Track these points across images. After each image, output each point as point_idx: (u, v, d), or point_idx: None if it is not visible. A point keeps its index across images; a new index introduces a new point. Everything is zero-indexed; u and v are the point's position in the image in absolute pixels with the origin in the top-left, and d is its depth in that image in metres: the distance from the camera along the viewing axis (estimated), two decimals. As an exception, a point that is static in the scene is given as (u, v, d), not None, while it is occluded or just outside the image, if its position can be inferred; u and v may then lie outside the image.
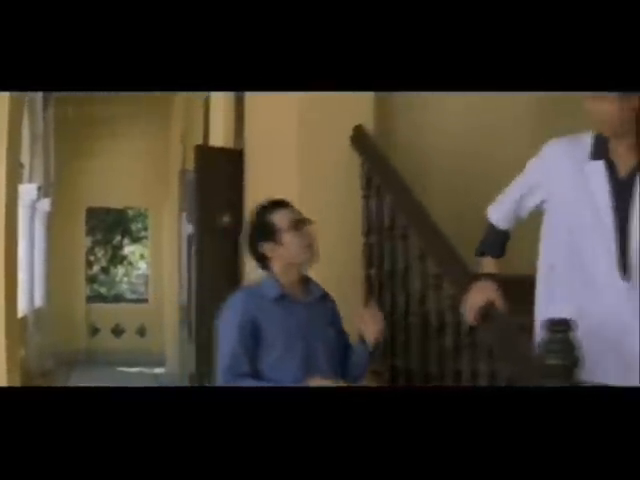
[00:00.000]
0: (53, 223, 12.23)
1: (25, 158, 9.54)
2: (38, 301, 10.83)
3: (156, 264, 14.47)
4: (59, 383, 10.84)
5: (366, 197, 3.91)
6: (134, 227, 18.18)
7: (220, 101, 6.89)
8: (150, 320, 14.05)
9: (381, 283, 3.75)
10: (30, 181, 10.10)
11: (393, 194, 3.58)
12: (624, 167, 2.59)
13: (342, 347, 2.96)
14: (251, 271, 3.14)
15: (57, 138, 12.31)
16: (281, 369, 2.74)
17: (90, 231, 15.95)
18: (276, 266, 2.86)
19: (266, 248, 2.85)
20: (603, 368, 2.36)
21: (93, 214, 15.43)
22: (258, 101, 4.72)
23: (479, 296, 2.69)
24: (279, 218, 2.85)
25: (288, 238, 2.82)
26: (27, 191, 9.66)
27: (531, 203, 2.81)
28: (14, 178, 6.81)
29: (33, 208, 10.28)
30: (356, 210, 3.96)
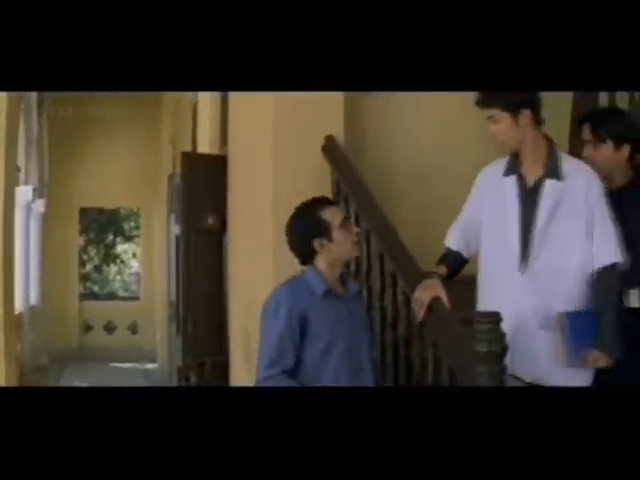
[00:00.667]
0: (47, 223, 12.45)
1: (21, 161, 9.81)
2: (33, 299, 11.06)
3: (148, 262, 14.65)
4: (52, 379, 11.10)
5: (336, 202, 4.18)
6: (126, 226, 18.34)
7: (207, 108, 7.20)
8: (142, 317, 14.26)
9: (348, 281, 4.04)
10: (25, 183, 10.36)
11: (357, 200, 3.89)
12: (532, 178, 3.04)
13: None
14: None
15: (51, 141, 12.54)
16: (323, 362, 2.78)
17: (83, 230, 16.19)
18: (322, 261, 2.89)
19: (316, 244, 2.87)
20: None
21: (86, 214, 15.64)
22: (240, 112, 5.04)
23: (426, 293, 3.01)
24: (330, 215, 2.88)
25: (339, 234, 2.87)
26: (23, 193, 9.91)
27: (474, 229, 3.18)
28: (11, 181, 7.07)
29: (28, 209, 10.52)
30: (326, 214, 4.23)
